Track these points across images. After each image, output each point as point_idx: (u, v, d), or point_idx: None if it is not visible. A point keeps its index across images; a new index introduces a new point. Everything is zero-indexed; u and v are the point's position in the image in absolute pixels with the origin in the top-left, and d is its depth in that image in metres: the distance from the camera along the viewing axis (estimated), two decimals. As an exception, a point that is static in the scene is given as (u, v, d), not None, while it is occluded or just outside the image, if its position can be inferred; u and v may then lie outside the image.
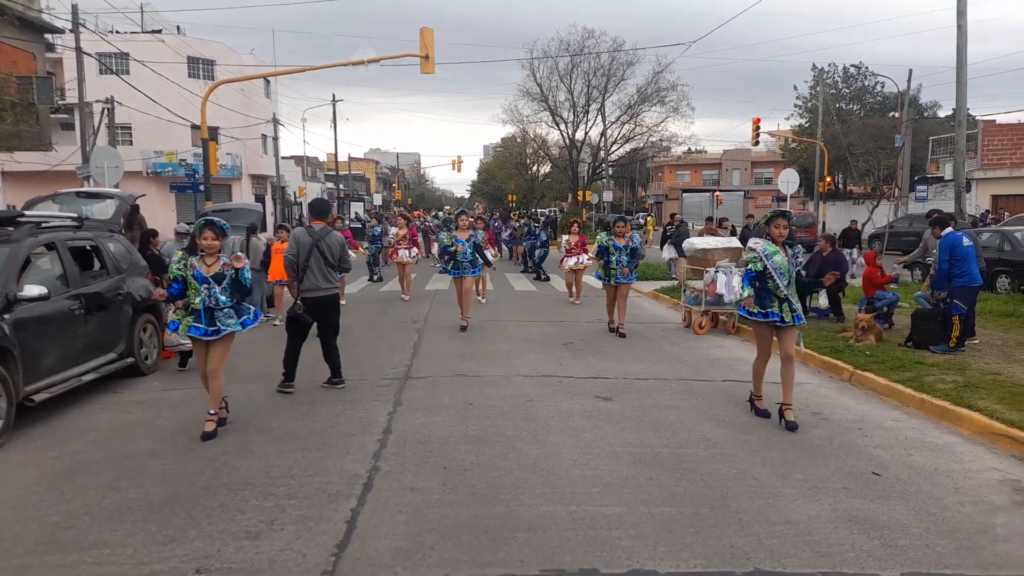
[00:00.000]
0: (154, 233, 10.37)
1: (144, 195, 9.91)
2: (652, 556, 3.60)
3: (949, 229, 8.74)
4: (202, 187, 22.07)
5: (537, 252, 18.80)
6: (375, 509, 4.16)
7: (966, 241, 8.51)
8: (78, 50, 19.05)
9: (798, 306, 6.05)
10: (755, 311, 6.06)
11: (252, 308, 6.01)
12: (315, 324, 6.93)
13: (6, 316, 5.83)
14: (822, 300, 11.07)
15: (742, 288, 6.36)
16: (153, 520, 4.03)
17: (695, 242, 11.23)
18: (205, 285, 5.64)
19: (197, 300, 5.65)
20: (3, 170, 19.21)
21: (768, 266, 5.93)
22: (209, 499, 4.32)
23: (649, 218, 17.27)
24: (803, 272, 6.39)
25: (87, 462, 5.10)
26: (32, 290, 6.09)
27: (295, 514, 4.09)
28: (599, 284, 11.57)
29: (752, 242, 6.20)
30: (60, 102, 20.37)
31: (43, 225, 6.98)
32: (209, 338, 5.67)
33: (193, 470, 4.83)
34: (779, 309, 5.97)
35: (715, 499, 4.36)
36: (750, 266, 6.03)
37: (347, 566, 3.50)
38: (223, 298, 5.67)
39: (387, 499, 4.30)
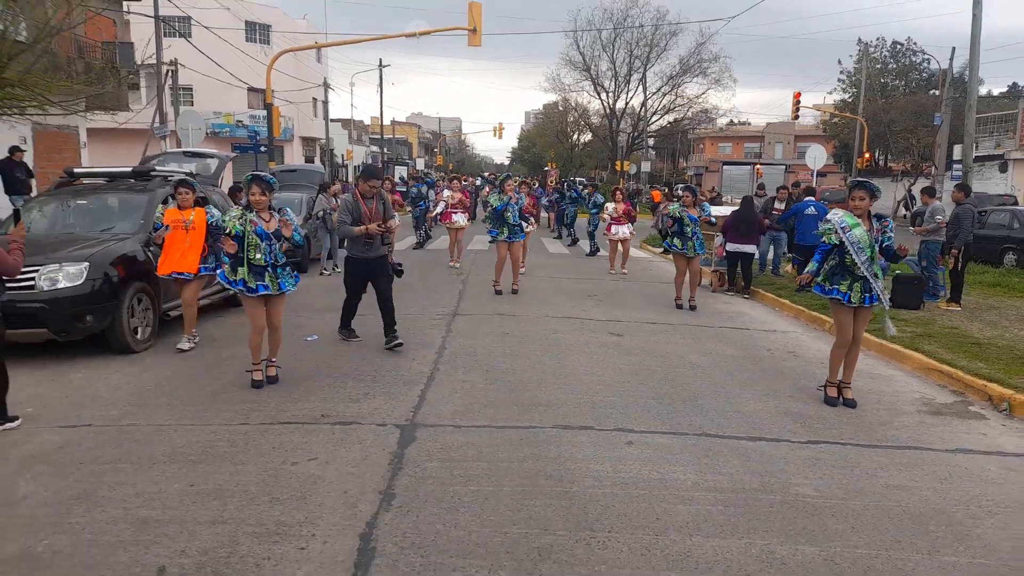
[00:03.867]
0: (239, 188, 12.06)
1: (237, 155, 11.55)
2: (632, 423, 5.14)
3: (810, 198, 11.85)
4: (263, 148, 23.91)
5: (568, 212, 19.80)
6: (437, 390, 5.78)
7: (810, 210, 11.31)
8: (156, 18, 20.84)
9: (878, 285, 5.59)
10: (827, 287, 5.70)
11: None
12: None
13: (151, 248, 7.54)
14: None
15: (813, 264, 5.80)
16: (282, 390, 5.71)
17: (708, 210, 12.53)
18: (267, 242, 5.82)
19: (259, 256, 5.79)
20: (87, 128, 21.27)
21: (845, 239, 5.48)
22: (319, 381, 5.98)
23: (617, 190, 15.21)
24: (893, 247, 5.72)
25: (219, 358, 6.80)
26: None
27: (381, 391, 5.72)
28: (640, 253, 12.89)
29: (831, 213, 5.76)
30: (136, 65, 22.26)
31: (168, 178, 8.66)
32: (273, 293, 5.91)
33: (301, 365, 6.49)
34: (847, 288, 5.58)
35: (687, 397, 5.86)
36: (824, 239, 5.62)
37: (422, 417, 5.12)
38: (281, 254, 5.96)
39: (445, 385, 5.91)
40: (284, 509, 3.65)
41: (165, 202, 7.82)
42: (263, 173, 6.19)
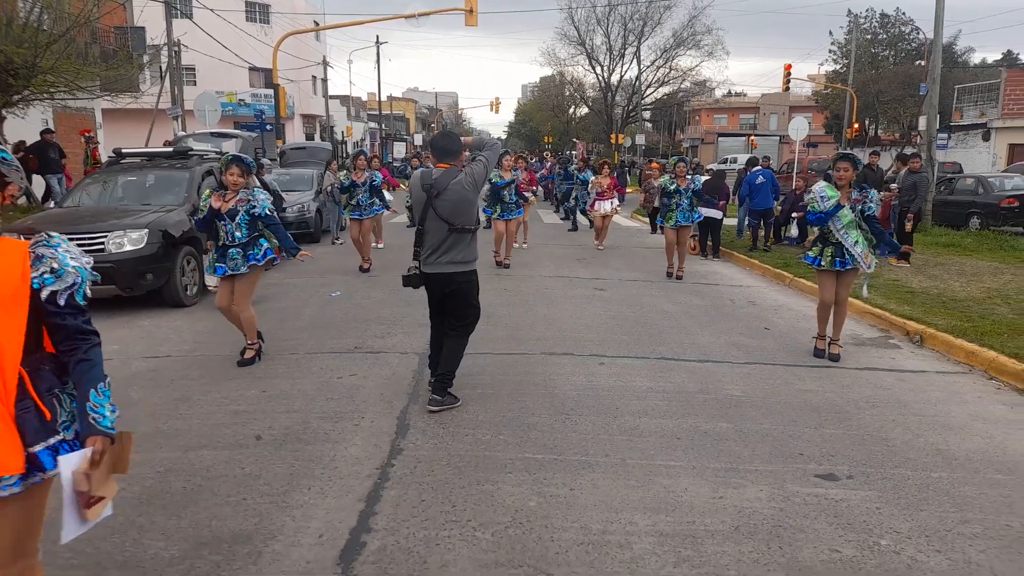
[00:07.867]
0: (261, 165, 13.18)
1: (257, 135, 12.66)
2: (605, 351, 6.36)
3: (755, 168, 13.34)
4: (269, 127, 24.92)
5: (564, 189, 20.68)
6: (447, 330, 6.99)
7: (760, 179, 12.77)
8: (166, 2, 21.78)
9: (857, 251, 5.94)
10: (812, 255, 6.29)
11: (264, 245, 5.90)
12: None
13: (193, 218, 8.69)
14: (792, 230, 13.51)
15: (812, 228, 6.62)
16: (319, 332, 6.91)
17: (698, 183, 13.70)
18: (221, 222, 5.70)
19: (221, 236, 5.77)
20: (103, 108, 22.38)
21: (824, 208, 5.95)
22: (347, 325, 7.20)
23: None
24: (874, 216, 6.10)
25: (259, 310, 7.97)
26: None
27: (401, 331, 6.94)
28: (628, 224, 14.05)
29: (815, 185, 6.27)
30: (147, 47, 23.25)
31: (204, 157, 9.80)
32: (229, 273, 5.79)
33: (333, 313, 7.71)
34: (818, 253, 6.15)
35: (654, 334, 7.08)
36: (810, 208, 6.12)
37: (436, 348, 6.34)
38: (237, 234, 5.70)
39: (453, 327, 7.12)
40: (338, 404, 4.88)
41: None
42: (244, 156, 6.04)
